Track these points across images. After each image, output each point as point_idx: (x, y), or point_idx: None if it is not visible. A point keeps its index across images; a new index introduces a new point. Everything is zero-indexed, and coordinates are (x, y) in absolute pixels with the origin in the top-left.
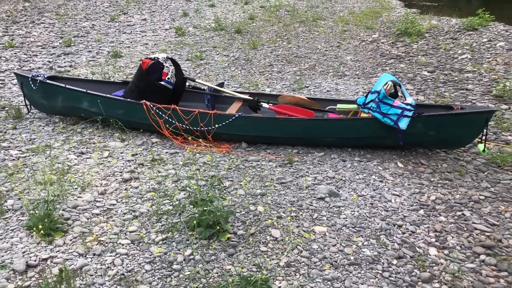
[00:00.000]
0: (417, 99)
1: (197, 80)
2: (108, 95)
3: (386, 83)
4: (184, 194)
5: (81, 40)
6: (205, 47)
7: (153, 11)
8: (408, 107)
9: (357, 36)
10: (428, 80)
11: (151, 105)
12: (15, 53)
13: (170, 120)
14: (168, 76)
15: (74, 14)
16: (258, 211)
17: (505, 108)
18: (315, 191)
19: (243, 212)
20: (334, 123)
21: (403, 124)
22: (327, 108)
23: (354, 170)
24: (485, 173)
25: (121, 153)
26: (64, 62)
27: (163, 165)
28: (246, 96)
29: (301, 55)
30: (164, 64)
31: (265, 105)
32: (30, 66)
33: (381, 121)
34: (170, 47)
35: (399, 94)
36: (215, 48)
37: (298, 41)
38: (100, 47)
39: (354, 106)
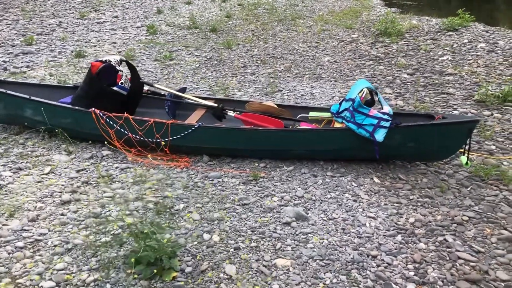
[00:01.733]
0: (396, 105)
1: (155, 85)
2: (54, 102)
3: (361, 90)
4: (131, 219)
5: (44, 38)
6: (177, 47)
7: (126, 8)
8: (385, 116)
9: (336, 36)
10: (408, 83)
11: (101, 114)
12: None
13: (122, 130)
14: (121, 81)
15: (41, 11)
16: (213, 241)
17: (488, 114)
18: (281, 214)
19: (195, 243)
20: (304, 134)
21: (380, 135)
22: (299, 116)
23: (325, 187)
24: (468, 188)
25: (65, 168)
26: (21, 62)
27: (110, 183)
28: (211, 103)
29: (277, 55)
30: (116, 67)
31: (230, 113)
32: None
33: (355, 132)
34: (139, 46)
35: (376, 101)
36: (187, 47)
37: (275, 40)
38: (64, 45)
39: (328, 114)
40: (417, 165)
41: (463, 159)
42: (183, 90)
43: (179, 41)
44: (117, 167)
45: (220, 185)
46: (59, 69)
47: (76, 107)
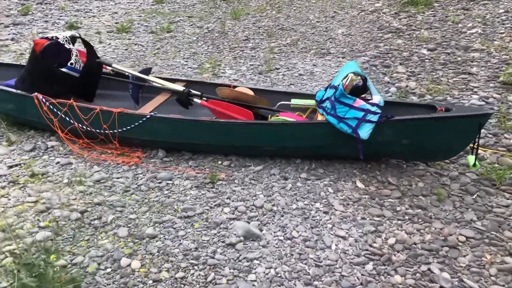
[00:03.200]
0: (406, 87)
1: (114, 65)
2: None
3: (346, 76)
4: (48, 231)
5: (43, 8)
6: (180, 17)
7: None
8: (374, 108)
9: (358, 5)
10: (426, 60)
11: (44, 100)
12: None
13: (67, 119)
14: (71, 61)
15: None
16: (130, 269)
17: None
18: (229, 230)
19: (108, 270)
20: (274, 128)
21: (364, 132)
22: (278, 104)
23: (294, 194)
24: (474, 196)
25: None
26: (8, 34)
27: (41, 184)
28: (177, 87)
29: (287, 27)
30: (65, 45)
31: (196, 100)
32: None
33: (335, 127)
34: (140, 16)
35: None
36: (190, 18)
37: (290, 10)
38: (61, 16)
39: (313, 102)
40: (415, 164)
41: (471, 159)
42: (147, 71)
43: (185, 11)
44: (57, 163)
45: (167, 189)
46: None
47: (18, 91)
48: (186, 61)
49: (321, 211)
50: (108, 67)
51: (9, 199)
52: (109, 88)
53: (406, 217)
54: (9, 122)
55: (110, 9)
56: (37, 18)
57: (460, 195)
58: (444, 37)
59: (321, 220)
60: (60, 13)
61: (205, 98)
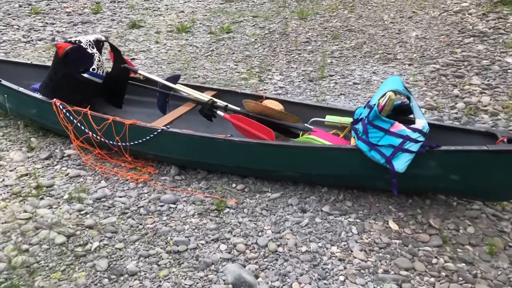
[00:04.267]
0: (478, 102)
1: (140, 71)
2: (18, 88)
3: (384, 94)
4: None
5: (114, 7)
6: (245, 17)
7: None
8: (415, 135)
9: (442, 5)
10: (509, 71)
11: (61, 106)
12: (34, 21)
13: (82, 127)
14: (93, 67)
15: None
16: None
17: None
18: (218, 274)
19: None
20: (294, 151)
21: (400, 163)
22: (312, 120)
23: (309, 231)
24: None
25: (10, 170)
26: (73, 33)
27: (41, 198)
28: (203, 96)
29: (356, 28)
30: (88, 49)
31: (220, 112)
32: (31, 38)
33: (366, 155)
34: (205, 15)
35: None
36: (255, 17)
37: (365, 9)
38: (128, 14)
39: (350, 120)
40: (469, 202)
41: None
42: (174, 78)
43: (252, 10)
44: (67, 174)
45: (167, 215)
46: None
47: (39, 96)
48: (236, 65)
49: (336, 258)
50: (135, 73)
51: (4, 213)
52: (141, 94)
53: (443, 274)
54: (34, 127)
55: (178, 7)
56: (105, 16)
57: None
58: None
59: (333, 269)
60: (128, 12)
61: (229, 111)
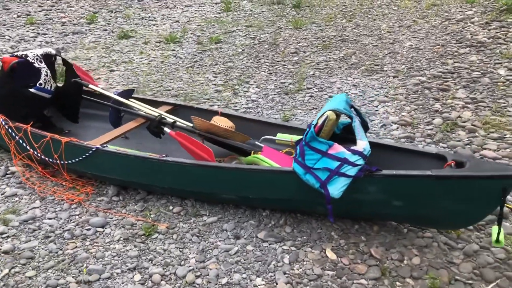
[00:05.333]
0: (458, 118)
1: (91, 86)
2: None
3: (323, 114)
4: None
5: (110, 17)
6: (238, 26)
7: None
8: (354, 158)
9: (445, 13)
10: (499, 83)
11: (3, 122)
12: (26, 31)
13: (23, 144)
14: (40, 81)
15: None
16: None
17: None
18: None
19: None
20: (229, 173)
21: (336, 188)
22: (263, 138)
23: (237, 260)
24: (490, 287)
25: None
26: (62, 43)
27: None
28: (153, 112)
29: (350, 38)
30: (35, 64)
31: (166, 129)
32: (18, 49)
33: (302, 178)
34: (199, 25)
35: (357, 130)
36: (248, 27)
37: (364, 18)
38: (122, 24)
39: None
40: (421, 229)
41: (494, 231)
42: (127, 93)
43: (248, 20)
44: (3, 193)
45: (91, 240)
46: (90, 52)
47: None
48: (215, 77)
49: None
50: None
51: None
52: (99, 108)
53: None
54: None
55: (174, 17)
56: (98, 26)
57: (470, 282)
58: None
59: None
60: (123, 22)
61: (176, 128)
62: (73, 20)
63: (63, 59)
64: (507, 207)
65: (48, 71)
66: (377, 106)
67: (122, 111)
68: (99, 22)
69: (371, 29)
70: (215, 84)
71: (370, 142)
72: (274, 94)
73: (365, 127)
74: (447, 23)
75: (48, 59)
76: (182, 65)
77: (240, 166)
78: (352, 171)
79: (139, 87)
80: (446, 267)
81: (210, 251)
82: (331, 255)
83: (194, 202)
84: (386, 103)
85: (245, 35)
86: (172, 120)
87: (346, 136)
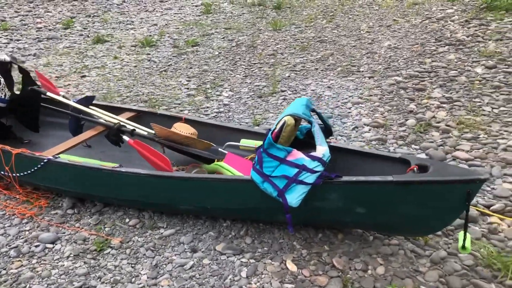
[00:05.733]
0: (433, 118)
1: (48, 94)
2: None
3: (281, 119)
4: None
5: (87, 21)
6: (218, 29)
7: None
8: (313, 164)
9: (425, 12)
10: (476, 82)
11: None
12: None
13: None
14: None
15: None
16: None
17: None
18: None
19: None
20: (184, 183)
21: (294, 197)
22: (226, 144)
23: (191, 276)
24: None
25: None
26: (35, 49)
27: None
28: (112, 120)
29: (329, 39)
30: None
31: (125, 137)
32: None
33: (259, 187)
34: (178, 28)
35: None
36: (227, 29)
37: (344, 19)
38: (99, 29)
39: None
40: (388, 236)
41: (460, 237)
42: (87, 100)
43: (227, 22)
44: None
45: (38, 257)
46: (63, 58)
47: None
48: (188, 80)
49: None
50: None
51: None
52: (61, 116)
53: None
54: None
55: (153, 20)
56: (74, 31)
57: None
58: None
59: None
60: (100, 26)
61: (135, 136)
62: (49, 26)
63: (19, 67)
64: (478, 210)
65: (2, 79)
66: (350, 108)
67: (82, 119)
68: (75, 27)
69: (351, 29)
70: (187, 88)
71: (335, 147)
72: (247, 98)
73: (329, 132)
74: (427, 22)
75: (3, 66)
76: (156, 69)
77: (196, 176)
78: (310, 178)
79: (109, 93)
80: (411, 276)
81: (164, 266)
82: (291, 266)
83: (152, 214)
84: (360, 105)
85: (223, 38)
86: (132, 128)
87: (309, 141)
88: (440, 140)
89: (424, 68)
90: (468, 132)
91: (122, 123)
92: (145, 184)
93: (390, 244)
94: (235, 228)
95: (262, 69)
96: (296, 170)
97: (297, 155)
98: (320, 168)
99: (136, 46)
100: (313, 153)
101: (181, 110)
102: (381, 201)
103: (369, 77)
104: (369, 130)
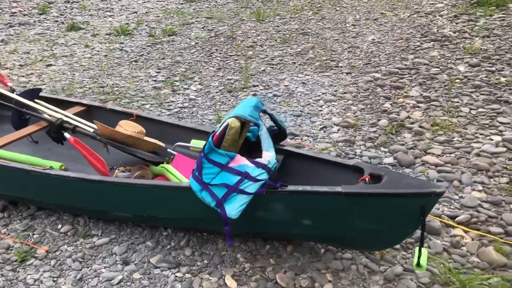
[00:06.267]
0: (407, 118)
1: None
2: None
3: (225, 122)
4: None
5: (65, 7)
6: (198, 18)
7: None
8: (257, 172)
9: (415, 5)
10: (457, 81)
11: None
12: None
13: None
14: None
15: None
16: None
17: None
18: None
19: None
20: (117, 188)
21: (234, 208)
22: (175, 145)
23: None
24: None
25: None
26: (5, 35)
27: None
28: (56, 115)
29: (312, 31)
30: None
31: (67, 134)
32: None
33: (198, 195)
34: (158, 16)
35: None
36: (209, 19)
37: (331, 10)
38: (76, 15)
39: None
40: (341, 249)
41: (416, 254)
42: (32, 93)
43: (210, 11)
44: None
45: None
46: (32, 45)
47: None
48: (158, 72)
49: None
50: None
51: None
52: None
53: None
54: None
55: (133, 8)
56: (50, 17)
57: None
58: (499, 48)
59: None
60: (77, 12)
61: (77, 133)
62: (24, 11)
63: None
64: (442, 221)
65: None
66: (322, 106)
67: (25, 113)
68: (51, 12)
69: (336, 22)
70: (155, 81)
71: (289, 152)
72: (216, 92)
73: (282, 135)
74: (415, 16)
75: None
76: (126, 59)
77: (128, 181)
78: (252, 187)
79: (72, 84)
80: None
81: (89, 280)
82: (230, 282)
83: (87, 220)
84: (333, 103)
85: (203, 27)
86: (74, 124)
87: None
88: (412, 142)
89: (405, 65)
90: (442, 135)
91: (66, 119)
92: (75, 188)
93: (342, 258)
94: (176, 238)
95: (237, 61)
96: (238, 178)
97: (240, 161)
98: (264, 176)
99: (111, 35)
100: (258, 160)
101: (143, 104)
102: (330, 213)
103: (347, 73)
104: (338, 130)
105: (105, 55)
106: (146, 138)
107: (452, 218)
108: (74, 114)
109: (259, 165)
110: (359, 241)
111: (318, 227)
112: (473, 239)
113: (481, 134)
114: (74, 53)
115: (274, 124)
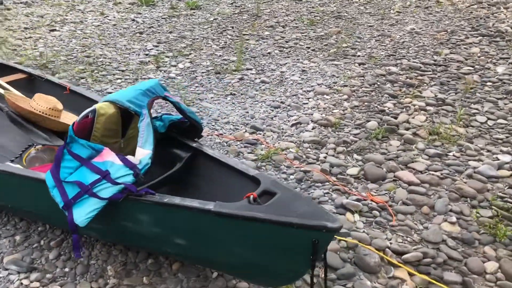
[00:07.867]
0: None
1: None
2: None
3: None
4: None
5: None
6: None
7: None
8: (121, 172)
9: None
10: (488, 83)
11: None
12: None
13: None
14: None
15: None
16: None
17: None
18: None
19: None
20: None
21: (83, 213)
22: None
23: None
24: None
25: None
26: None
27: None
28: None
29: (348, 15)
30: None
31: None
32: None
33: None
34: None
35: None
36: None
37: None
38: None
39: None
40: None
41: None
42: None
43: None
44: None
45: None
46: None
47: None
48: (155, 46)
49: None
50: None
51: None
52: None
53: None
54: None
55: None
56: None
57: None
58: None
59: None
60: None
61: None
62: None
63: None
64: (384, 257)
65: None
66: (309, 99)
67: None
68: None
69: (381, 7)
70: (146, 54)
71: (198, 151)
72: (202, 73)
73: (197, 130)
74: (475, 7)
75: None
76: (132, 30)
77: None
78: (107, 191)
79: (59, 51)
80: None
81: None
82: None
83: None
84: (324, 96)
85: (232, 3)
86: None
87: (177, 136)
88: (395, 152)
89: (435, 60)
90: (438, 147)
91: None
92: None
93: (236, 287)
94: (50, 235)
95: (248, 41)
96: (96, 177)
97: (106, 157)
98: (127, 179)
99: (134, 4)
100: (129, 157)
101: (117, 79)
102: (203, 234)
103: (360, 64)
104: (313, 128)
105: (114, 25)
106: (68, 114)
107: (400, 254)
108: (14, 81)
109: (127, 164)
110: (245, 272)
111: (193, 248)
112: (416, 287)
113: (488, 151)
114: (85, 19)
115: (182, 116)
